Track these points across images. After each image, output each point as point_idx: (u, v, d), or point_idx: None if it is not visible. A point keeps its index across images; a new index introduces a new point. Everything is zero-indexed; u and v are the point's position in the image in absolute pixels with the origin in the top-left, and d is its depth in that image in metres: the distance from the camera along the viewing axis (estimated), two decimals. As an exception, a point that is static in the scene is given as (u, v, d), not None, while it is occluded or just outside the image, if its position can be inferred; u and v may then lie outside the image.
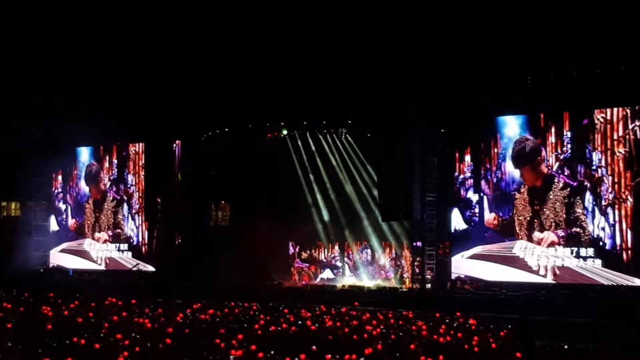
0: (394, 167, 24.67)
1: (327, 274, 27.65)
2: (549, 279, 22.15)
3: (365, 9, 21.44)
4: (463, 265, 23.83)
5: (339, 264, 27.68)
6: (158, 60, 25.52)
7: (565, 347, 13.34)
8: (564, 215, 21.99)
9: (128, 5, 23.31)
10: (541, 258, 22.25)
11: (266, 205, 27.70)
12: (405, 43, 21.97)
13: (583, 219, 21.67)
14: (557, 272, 22.02)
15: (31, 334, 12.77)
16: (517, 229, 23.00)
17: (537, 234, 22.46)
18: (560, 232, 22.02)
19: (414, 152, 24.05)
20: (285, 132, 28.23)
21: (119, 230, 30.47)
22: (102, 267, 30.68)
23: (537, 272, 22.36)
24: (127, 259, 30.07)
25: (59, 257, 32.13)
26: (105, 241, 30.81)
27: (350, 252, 27.56)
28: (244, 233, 27.44)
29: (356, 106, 24.81)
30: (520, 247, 22.82)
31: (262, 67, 24.27)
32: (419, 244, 24.47)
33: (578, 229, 21.74)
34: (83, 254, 31.50)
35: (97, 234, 31.12)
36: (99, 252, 30.91)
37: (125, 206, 30.44)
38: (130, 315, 16.28)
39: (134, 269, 29.50)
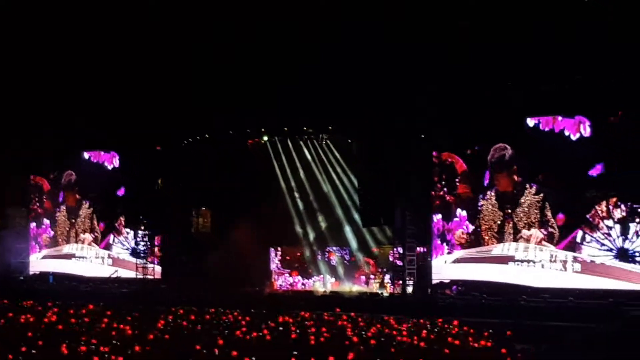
0: (374, 173, 24.77)
1: (308, 279, 27.65)
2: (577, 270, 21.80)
3: (348, 17, 21.46)
4: (447, 270, 23.91)
5: (320, 269, 27.68)
6: (136, 65, 25.35)
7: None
8: (538, 217, 22.51)
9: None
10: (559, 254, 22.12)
11: (247, 211, 27.63)
12: (387, 51, 22.02)
13: (553, 221, 22.28)
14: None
15: (11, 343, 12.71)
16: (483, 234, 23.43)
17: (525, 232, 22.69)
18: (543, 231, 22.41)
19: (395, 157, 24.14)
20: (266, 138, 28.26)
21: (97, 235, 30.58)
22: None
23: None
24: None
25: (44, 264, 32.07)
26: (90, 243, 30.78)
27: (332, 258, 27.60)
28: (225, 239, 27.40)
29: (337, 112, 24.85)
30: (507, 248, 23.00)
31: (242, 73, 24.24)
32: (399, 249, 24.57)
33: (552, 229, 22.28)
34: (74, 258, 31.28)
35: (81, 235, 31.05)
36: (99, 252, 30.49)
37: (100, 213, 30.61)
38: (111, 322, 16.23)
39: (113, 276, 29.38)
